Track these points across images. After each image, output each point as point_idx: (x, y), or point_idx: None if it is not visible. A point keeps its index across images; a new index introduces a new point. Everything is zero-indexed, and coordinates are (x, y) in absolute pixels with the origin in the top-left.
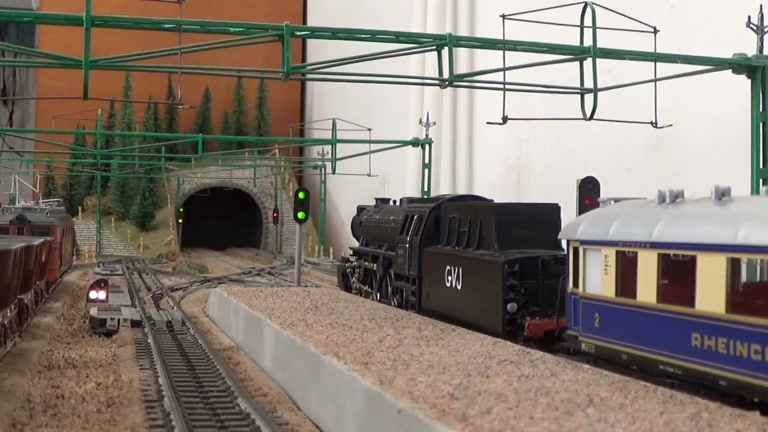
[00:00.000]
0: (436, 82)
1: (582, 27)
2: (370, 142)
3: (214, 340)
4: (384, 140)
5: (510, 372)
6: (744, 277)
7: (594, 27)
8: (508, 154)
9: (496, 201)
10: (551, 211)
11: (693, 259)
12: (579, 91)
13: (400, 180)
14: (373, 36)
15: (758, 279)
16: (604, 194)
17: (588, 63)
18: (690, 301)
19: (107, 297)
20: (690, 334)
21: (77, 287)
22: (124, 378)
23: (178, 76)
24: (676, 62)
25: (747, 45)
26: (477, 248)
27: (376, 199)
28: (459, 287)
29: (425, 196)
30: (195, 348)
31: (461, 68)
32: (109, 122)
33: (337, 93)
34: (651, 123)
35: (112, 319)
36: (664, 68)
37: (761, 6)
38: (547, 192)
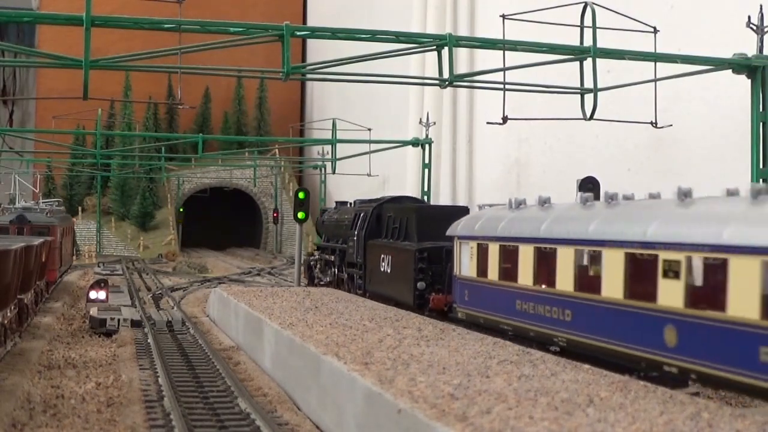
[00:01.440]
0: (436, 82)
1: (582, 27)
2: (370, 142)
3: (214, 340)
4: (384, 140)
5: (510, 372)
6: (544, 261)
7: (594, 27)
8: (508, 154)
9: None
10: (461, 212)
11: (516, 249)
12: (579, 91)
13: (400, 180)
14: (373, 36)
15: (548, 262)
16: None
17: (588, 63)
18: (515, 278)
19: (107, 297)
20: (515, 301)
21: (77, 287)
22: (124, 378)
23: (178, 76)
24: (676, 62)
25: (747, 45)
26: (403, 240)
27: (336, 202)
28: (389, 271)
29: (380, 197)
30: (195, 348)
31: (461, 68)
32: (109, 122)
33: (338, 93)
34: (651, 123)
35: (112, 319)
36: (664, 68)
37: (761, 6)
38: (547, 192)
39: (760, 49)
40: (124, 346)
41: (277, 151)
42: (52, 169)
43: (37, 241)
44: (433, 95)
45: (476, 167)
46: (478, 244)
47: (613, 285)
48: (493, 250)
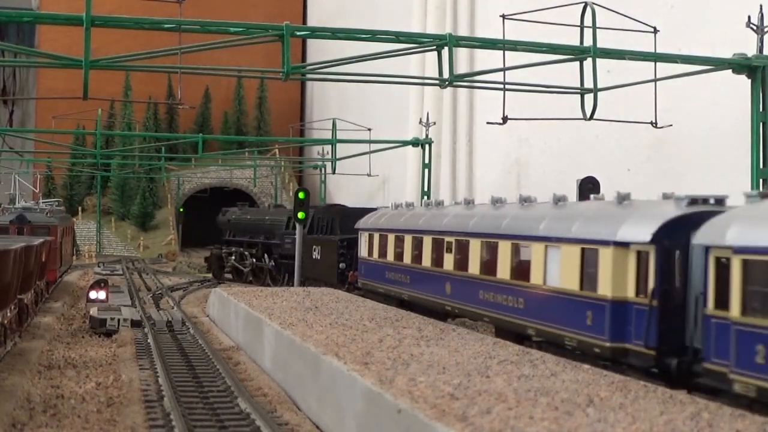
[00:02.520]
0: (436, 82)
1: (582, 27)
2: (370, 142)
3: (214, 340)
4: (384, 140)
5: (510, 372)
6: (400, 244)
7: (594, 27)
8: (508, 154)
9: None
10: (371, 212)
11: (386, 236)
12: (579, 91)
13: (400, 180)
14: (373, 36)
15: (401, 244)
16: (602, 192)
17: (588, 63)
18: (385, 257)
19: (107, 297)
20: (385, 272)
21: (77, 287)
22: (124, 378)
23: (178, 76)
24: (676, 62)
25: (747, 45)
26: (329, 235)
27: (238, 203)
28: (319, 258)
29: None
30: (195, 348)
31: (461, 68)
32: (109, 122)
33: (338, 93)
34: (651, 123)
35: (112, 319)
36: (664, 68)
37: (761, 6)
38: (547, 192)
39: (760, 49)
40: (124, 346)
41: (277, 151)
42: (52, 169)
43: (37, 241)
44: (433, 95)
45: (476, 167)
46: (369, 233)
47: (428, 258)
48: (375, 237)
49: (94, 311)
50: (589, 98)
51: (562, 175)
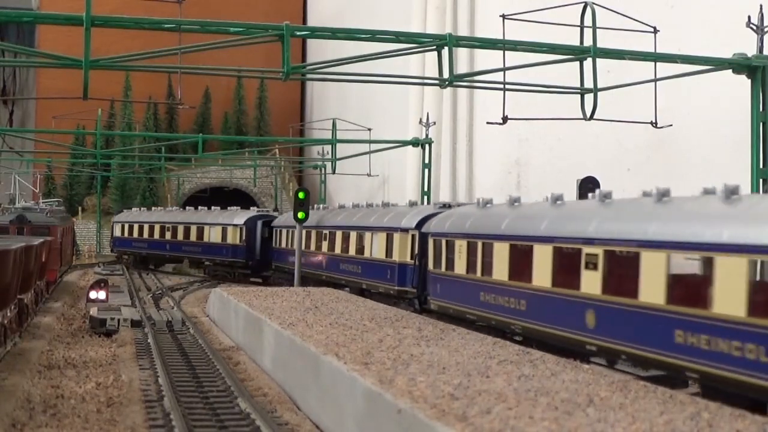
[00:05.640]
0: (436, 82)
1: (582, 27)
2: (370, 142)
3: (214, 340)
4: (384, 140)
5: (510, 372)
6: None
7: (594, 27)
8: (508, 154)
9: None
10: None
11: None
12: (579, 91)
13: (400, 180)
14: (373, 36)
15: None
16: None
17: (588, 63)
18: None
19: (107, 297)
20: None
21: (77, 287)
22: (124, 378)
23: (178, 76)
24: (676, 62)
25: (747, 45)
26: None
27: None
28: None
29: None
30: (195, 348)
31: (461, 68)
32: (109, 122)
33: (337, 93)
34: (651, 123)
35: (112, 319)
36: (664, 68)
37: (761, 6)
38: (547, 192)
39: (760, 49)
40: (124, 346)
41: (277, 151)
42: (52, 169)
43: (37, 241)
44: (433, 95)
45: (476, 167)
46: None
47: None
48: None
49: (94, 311)
50: (589, 98)
51: (562, 175)
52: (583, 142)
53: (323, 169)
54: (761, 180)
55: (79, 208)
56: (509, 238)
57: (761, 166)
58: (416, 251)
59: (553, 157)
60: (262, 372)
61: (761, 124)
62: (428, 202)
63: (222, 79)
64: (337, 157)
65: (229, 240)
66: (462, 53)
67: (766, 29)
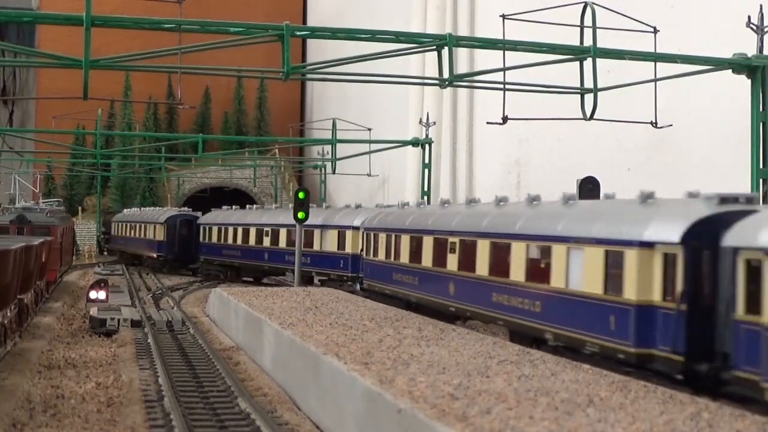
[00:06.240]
0: (436, 82)
1: (582, 27)
2: (370, 142)
3: (214, 339)
4: (384, 140)
5: (510, 372)
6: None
7: (594, 27)
8: (508, 154)
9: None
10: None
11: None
12: (579, 91)
13: (400, 180)
14: (373, 36)
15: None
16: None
17: (588, 63)
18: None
19: (107, 297)
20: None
21: (77, 287)
22: (124, 378)
23: (178, 76)
24: (676, 62)
25: (747, 45)
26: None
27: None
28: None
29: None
30: (195, 348)
31: (461, 68)
32: (109, 122)
33: (337, 93)
34: (651, 123)
35: (112, 319)
36: (664, 68)
37: (761, 6)
38: (547, 192)
39: (760, 49)
40: (124, 346)
41: (277, 151)
42: (52, 169)
43: (37, 241)
44: (433, 95)
45: (476, 167)
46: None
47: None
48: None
49: (94, 311)
50: (589, 98)
51: (562, 175)
52: (583, 142)
53: (323, 169)
54: (761, 180)
55: (79, 208)
56: (410, 231)
57: (761, 166)
58: (361, 245)
59: (553, 157)
60: (262, 372)
61: (761, 124)
62: (428, 202)
63: (222, 79)
64: (337, 157)
65: (157, 237)
66: (462, 53)
67: (766, 29)
